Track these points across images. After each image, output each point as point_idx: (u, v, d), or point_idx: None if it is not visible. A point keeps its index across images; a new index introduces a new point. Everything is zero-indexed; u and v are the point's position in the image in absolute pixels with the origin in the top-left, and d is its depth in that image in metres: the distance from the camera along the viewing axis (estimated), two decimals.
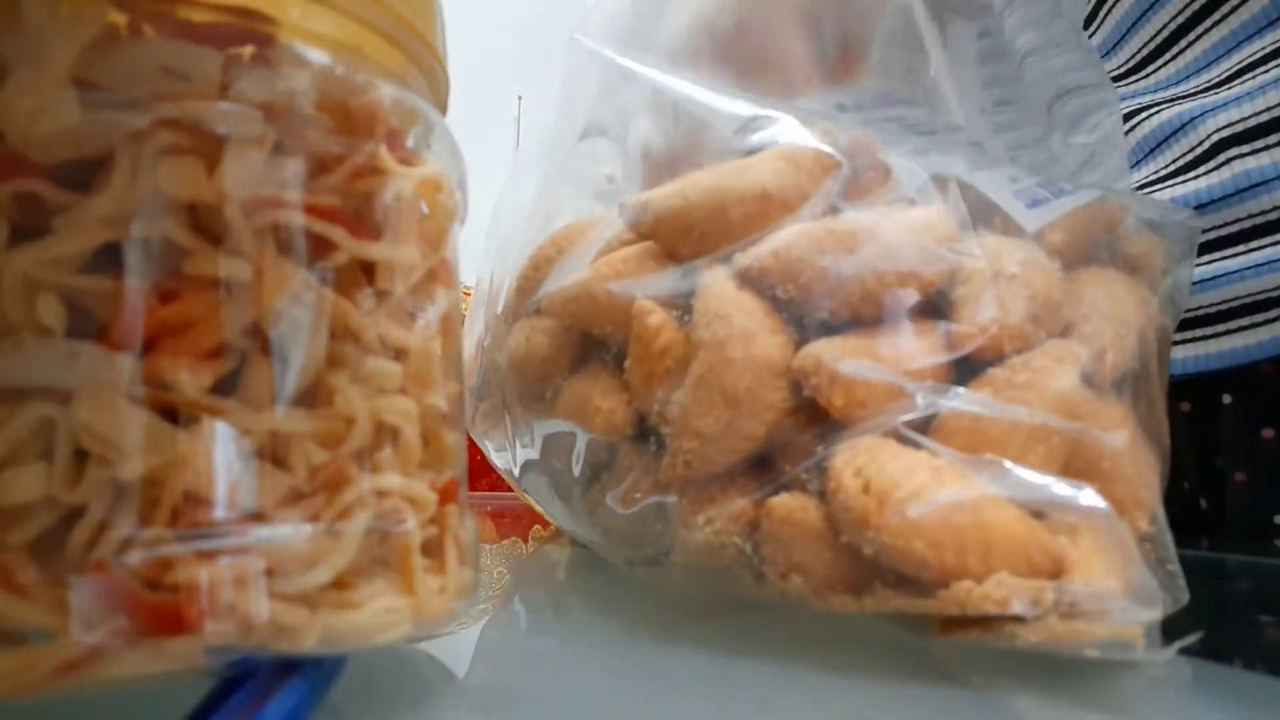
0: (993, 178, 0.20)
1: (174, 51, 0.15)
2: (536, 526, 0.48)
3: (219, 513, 0.15)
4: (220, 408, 0.15)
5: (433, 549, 0.18)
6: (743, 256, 0.18)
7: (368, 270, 0.18)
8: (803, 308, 0.18)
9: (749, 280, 0.18)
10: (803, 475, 0.18)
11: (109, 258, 0.14)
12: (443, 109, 0.22)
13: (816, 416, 0.18)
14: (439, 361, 0.19)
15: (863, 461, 0.16)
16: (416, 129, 0.20)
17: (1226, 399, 0.46)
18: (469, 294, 0.53)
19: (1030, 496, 0.16)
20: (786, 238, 0.18)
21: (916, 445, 0.17)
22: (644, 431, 0.21)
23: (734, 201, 0.18)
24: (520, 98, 1.87)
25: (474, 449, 0.30)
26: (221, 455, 0.15)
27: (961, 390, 0.18)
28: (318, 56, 0.17)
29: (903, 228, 0.18)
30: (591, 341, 0.23)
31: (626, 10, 0.31)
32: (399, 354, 0.18)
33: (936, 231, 0.18)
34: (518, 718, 0.19)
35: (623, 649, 0.23)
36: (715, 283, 0.18)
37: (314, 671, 0.16)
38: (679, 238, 0.19)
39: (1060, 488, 0.16)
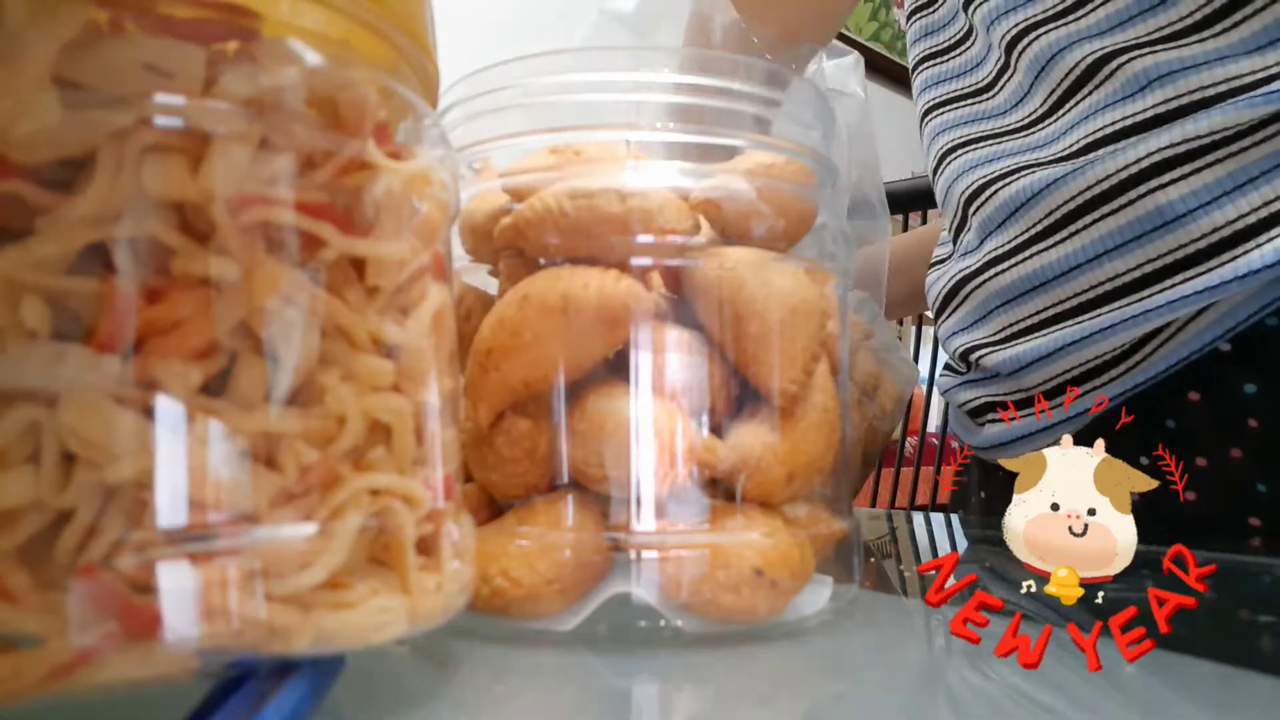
0: None
1: (157, 48, 0.15)
2: None
3: (210, 515, 0.14)
4: (210, 408, 0.15)
5: (428, 547, 0.18)
6: None
7: (358, 267, 0.17)
8: None
9: None
10: None
11: (94, 258, 0.14)
12: (433, 103, 0.22)
13: None
14: (432, 358, 0.19)
15: None
16: (406, 123, 0.20)
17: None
18: None
19: None
20: None
21: None
22: None
23: None
24: None
25: None
26: (212, 456, 0.15)
27: None
28: (304, 52, 0.17)
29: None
30: None
31: None
32: (391, 351, 0.18)
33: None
34: (516, 717, 0.19)
35: (620, 648, 0.23)
36: None
37: (313, 672, 0.16)
38: None
39: None
